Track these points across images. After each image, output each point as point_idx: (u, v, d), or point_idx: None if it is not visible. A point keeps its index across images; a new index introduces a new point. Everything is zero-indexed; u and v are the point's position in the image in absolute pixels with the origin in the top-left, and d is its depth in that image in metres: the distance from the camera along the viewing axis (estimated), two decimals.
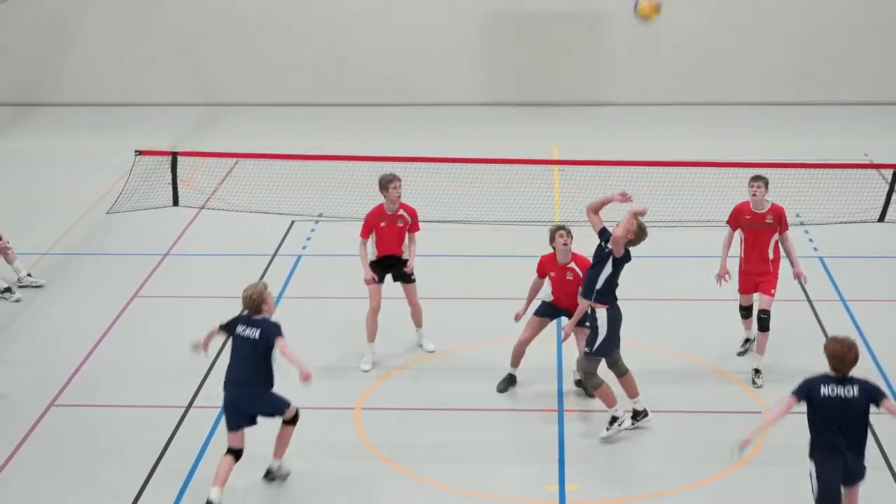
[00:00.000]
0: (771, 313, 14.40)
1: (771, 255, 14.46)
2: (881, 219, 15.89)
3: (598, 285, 12.99)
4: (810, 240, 18.90)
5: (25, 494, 12.51)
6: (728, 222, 14.69)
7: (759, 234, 14.43)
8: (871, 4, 27.55)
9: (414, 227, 15.22)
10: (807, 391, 10.60)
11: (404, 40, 28.09)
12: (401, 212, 15.13)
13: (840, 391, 10.52)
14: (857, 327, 16.06)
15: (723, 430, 13.46)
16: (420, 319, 15.60)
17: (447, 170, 17.71)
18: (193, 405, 14.19)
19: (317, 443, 13.27)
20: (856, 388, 10.53)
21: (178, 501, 12.33)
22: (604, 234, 12.99)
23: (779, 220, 14.45)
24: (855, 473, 10.74)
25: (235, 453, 12.29)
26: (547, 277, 14.15)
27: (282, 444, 12.57)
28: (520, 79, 28.31)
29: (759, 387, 14.41)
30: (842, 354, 10.56)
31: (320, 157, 17.69)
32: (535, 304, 14.37)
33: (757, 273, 14.51)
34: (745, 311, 14.98)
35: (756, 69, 27.89)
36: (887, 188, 15.88)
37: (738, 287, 14.80)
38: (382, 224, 15.07)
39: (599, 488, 12.63)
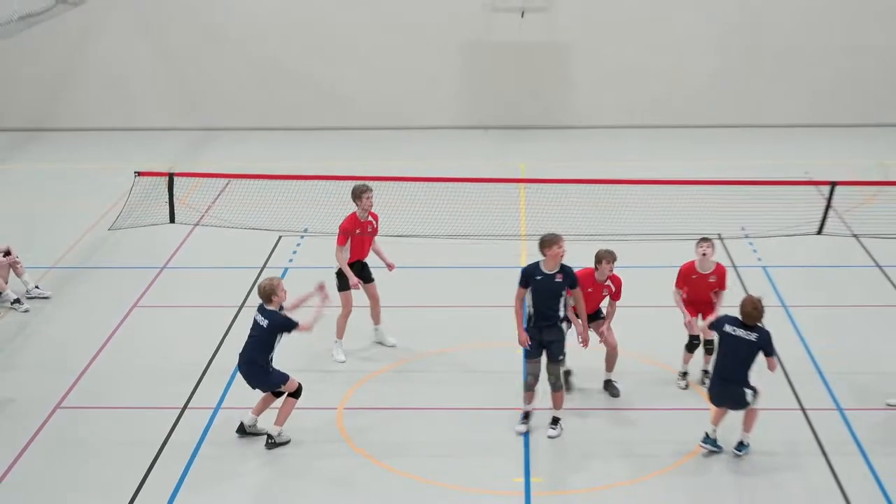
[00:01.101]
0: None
1: (714, 300, 14.49)
2: (819, 231, 15.99)
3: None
4: (754, 251, 19.06)
5: (35, 489, 12.56)
6: (676, 286, 14.46)
7: (703, 288, 14.44)
8: (814, 31, 27.84)
9: (377, 230, 15.53)
10: (718, 325, 12.80)
11: (385, 70, 28.24)
12: (369, 219, 15.35)
13: (741, 333, 12.60)
14: (798, 332, 16.20)
15: (677, 427, 13.62)
16: (379, 316, 15.76)
17: (423, 188, 17.78)
18: (189, 406, 14.26)
19: (302, 441, 13.37)
20: (754, 336, 12.57)
21: (174, 495, 12.39)
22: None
23: (720, 281, 14.40)
24: (739, 401, 12.69)
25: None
26: None
27: (283, 413, 13.21)
28: (491, 104, 28.47)
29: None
30: (747, 312, 12.55)
31: (305, 177, 17.74)
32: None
33: (701, 310, 14.49)
34: (692, 344, 14.54)
35: (707, 95, 28.10)
36: (825, 203, 16.00)
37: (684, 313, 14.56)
38: (357, 231, 15.24)
39: (562, 480, 12.77)
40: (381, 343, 15.85)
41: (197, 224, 19.16)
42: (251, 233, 18.08)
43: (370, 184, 15.39)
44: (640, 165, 23.60)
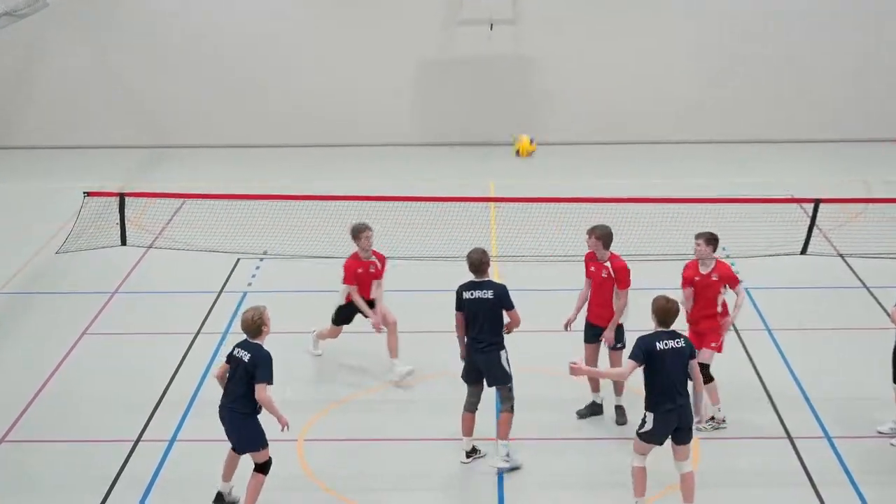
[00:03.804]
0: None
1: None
2: (803, 251, 15.94)
3: None
4: (737, 271, 18.93)
5: None
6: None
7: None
8: (785, 46, 27.96)
9: (381, 272, 15.47)
10: (645, 351, 11.72)
11: (348, 85, 28.19)
12: (373, 258, 15.39)
13: (671, 344, 11.74)
14: (782, 354, 16.16)
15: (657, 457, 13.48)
16: (395, 349, 15.57)
17: (389, 207, 17.66)
18: (143, 438, 14.04)
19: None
20: (682, 340, 11.83)
21: None
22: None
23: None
24: (685, 432, 11.86)
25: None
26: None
27: (249, 493, 12.14)
28: (458, 120, 28.43)
29: None
30: (667, 309, 11.82)
31: (264, 197, 17.59)
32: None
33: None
34: None
35: (681, 110, 28.16)
36: (809, 222, 15.95)
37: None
38: (359, 270, 15.31)
39: None
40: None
41: (150, 246, 18.99)
42: (208, 255, 17.88)
43: (369, 223, 15.41)
44: (613, 183, 23.51)
